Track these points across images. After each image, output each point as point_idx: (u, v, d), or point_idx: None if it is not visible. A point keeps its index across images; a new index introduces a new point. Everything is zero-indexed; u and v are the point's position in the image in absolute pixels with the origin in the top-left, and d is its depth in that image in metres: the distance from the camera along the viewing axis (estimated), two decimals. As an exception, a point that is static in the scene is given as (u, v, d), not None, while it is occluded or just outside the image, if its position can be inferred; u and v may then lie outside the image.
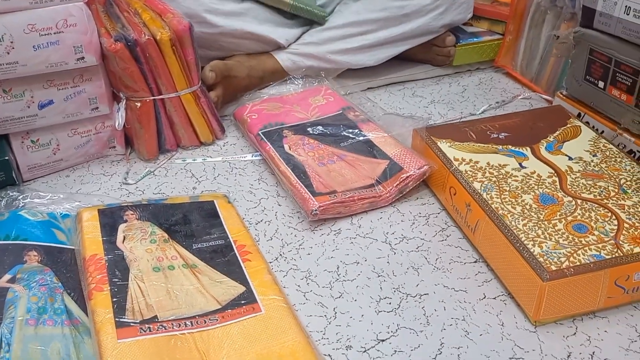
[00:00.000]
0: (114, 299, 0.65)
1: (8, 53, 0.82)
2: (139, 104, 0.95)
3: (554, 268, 0.65)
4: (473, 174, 0.81)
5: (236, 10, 1.09)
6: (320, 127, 1.00)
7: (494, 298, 0.72)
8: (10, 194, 0.82)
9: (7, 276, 0.68)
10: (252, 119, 1.04)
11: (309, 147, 0.95)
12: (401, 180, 0.87)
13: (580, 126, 0.91)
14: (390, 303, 0.71)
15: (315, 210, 0.82)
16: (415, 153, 0.91)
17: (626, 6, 0.85)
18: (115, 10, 0.99)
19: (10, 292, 0.66)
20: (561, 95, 1.02)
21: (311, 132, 0.99)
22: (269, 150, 0.96)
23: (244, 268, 0.73)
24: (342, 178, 0.88)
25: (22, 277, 0.68)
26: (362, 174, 0.89)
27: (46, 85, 0.88)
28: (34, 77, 0.86)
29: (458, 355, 0.64)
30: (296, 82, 1.15)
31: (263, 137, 0.99)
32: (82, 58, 0.87)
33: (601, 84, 0.93)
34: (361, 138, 0.97)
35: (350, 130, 0.98)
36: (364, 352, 0.65)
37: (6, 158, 0.86)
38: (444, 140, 0.89)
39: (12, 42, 0.82)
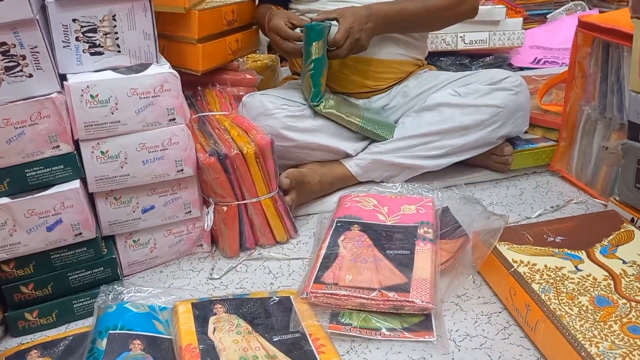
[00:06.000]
0: (207, 385, 0.74)
1: (122, 167, 0.97)
2: (225, 208, 1.08)
3: (610, 368, 0.69)
4: (531, 276, 0.87)
5: (310, 127, 1.23)
6: (384, 233, 1.05)
7: (555, 396, 0.76)
8: (117, 288, 0.94)
9: (117, 362, 0.78)
10: (343, 207, 1.14)
11: (359, 244, 1.01)
12: (399, 301, 0.88)
13: (633, 231, 0.97)
14: (455, 397, 0.77)
15: (306, 294, 0.90)
16: (434, 288, 0.91)
17: (669, 121, 0.92)
18: (208, 128, 1.15)
19: (119, 376, 0.76)
20: (614, 201, 1.08)
21: (373, 234, 1.04)
22: (326, 235, 1.05)
23: (319, 360, 0.81)
24: (354, 277, 0.92)
25: (128, 363, 0.78)
26: (376, 279, 0.92)
27: (149, 193, 1.03)
28: (139, 186, 1.01)
29: None
30: (406, 187, 1.22)
31: (335, 224, 1.07)
32: (182, 170, 1.02)
33: (651, 192, 0.99)
34: (407, 252, 0.99)
35: (405, 242, 1.02)
36: None
37: (113, 257, 0.99)
38: (502, 243, 0.96)
39: (125, 159, 0.97)
